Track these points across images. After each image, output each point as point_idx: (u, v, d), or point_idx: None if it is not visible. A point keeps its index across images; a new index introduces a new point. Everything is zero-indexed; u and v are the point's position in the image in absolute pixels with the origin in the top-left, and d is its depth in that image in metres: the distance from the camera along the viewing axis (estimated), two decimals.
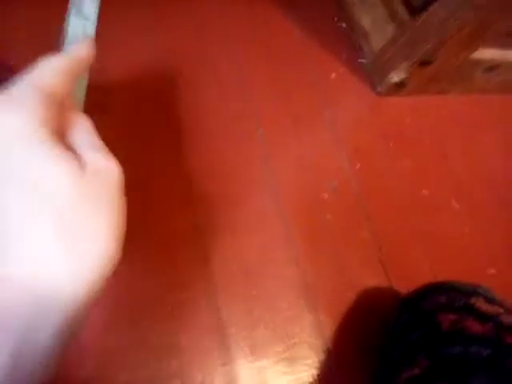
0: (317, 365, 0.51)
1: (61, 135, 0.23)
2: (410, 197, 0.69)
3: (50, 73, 0.24)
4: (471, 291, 0.48)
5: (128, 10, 0.65)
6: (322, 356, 0.52)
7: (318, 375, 0.51)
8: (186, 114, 0.61)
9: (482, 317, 0.45)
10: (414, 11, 0.67)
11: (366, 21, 0.77)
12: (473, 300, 0.47)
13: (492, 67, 0.78)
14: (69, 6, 0.33)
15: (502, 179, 0.77)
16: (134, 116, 0.59)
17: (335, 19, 0.80)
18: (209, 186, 0.57)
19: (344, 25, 0.79)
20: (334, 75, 0.74)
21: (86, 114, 0.27)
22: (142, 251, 0.50)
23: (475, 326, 0.44)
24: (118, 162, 0.24)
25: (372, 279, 0.60)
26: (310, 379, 0.51)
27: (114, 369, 0.45)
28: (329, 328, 0.54)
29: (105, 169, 0.23)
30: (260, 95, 0.66)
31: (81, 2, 0.32)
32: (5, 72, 0.52)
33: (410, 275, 0.62)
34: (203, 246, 0.53)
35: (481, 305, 0.46)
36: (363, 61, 0.77)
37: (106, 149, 0.24)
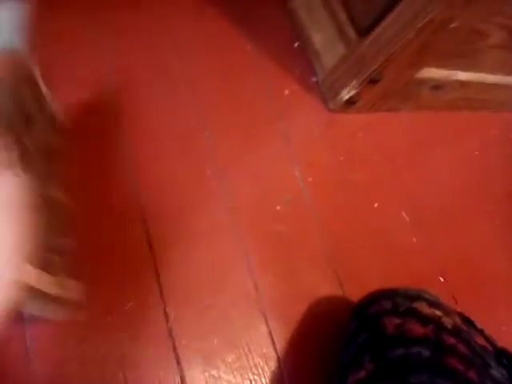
0: (269, 373, 0.52)
1: None
2: (362, 209, 0.71)
3: None
4: (415, 296, 0.50)
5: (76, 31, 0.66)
6: (273, 365, 0.53)
7: (270, 383, 0.51)
8: (137, 129, 0.61)
9: (424, 319, 0.46)
10: (361, 31, 0.71)
11: (316, 40, 0.80)
12: (416, 304, 0.49)
13: (438, 86, 0.82)
14: None
15: (449, 192, 0.81)
16: (84, 135, 0.59)
17: (288, 38, 0.83)
18: (161, 201, 0.57)
19: (297, 43, 0.82)
20: (287, 92, 0.76)
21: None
22: (94, 267, 0.49)
23: (417, 329, 0.45)
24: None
25: (325, 289, 0.61)
26: None
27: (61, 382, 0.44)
28: (281, 337, 0.55)
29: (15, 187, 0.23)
30: (213, 110, 0.68)
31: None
32: None
33: (362, 284, 0.63)
34: (155, 260, 0.53)
35: (423, 308, 0.48)
36: (315, 79, 0.80)
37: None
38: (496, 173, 0.88)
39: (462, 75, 0.81)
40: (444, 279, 0.69)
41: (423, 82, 0.78)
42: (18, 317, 0.43)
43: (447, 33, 0.66)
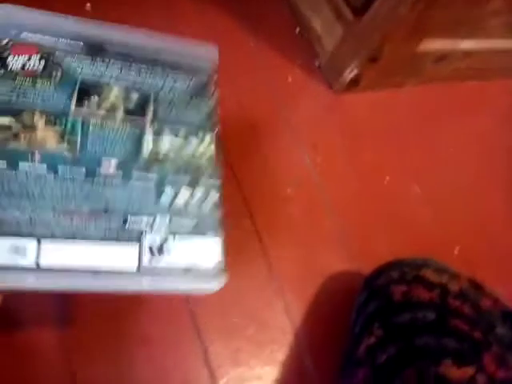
0: (287, 346, 0.55)
1: None
2: (372, 185, 0.73)
3: None
4: (422, 264, 0.52)
5: None
6: (291, 338, 0.56)
7: (289, 356, 0.54)
8: None
9: (430, 285, 0.48)
10: (357, 11, 0.72)
11: (316, 24, 0.81)
12: (422, 272, 0.50)
13: (442, 57, 0.82)
14: None
15: (460, 166, 0.81)
16: None
17: (288, 25, 0.84)
18: None
19: (297, 29, 0.84)
20: (290, 78, 0.78)
21: None
22: None
23: (423, 294, 0.47)
24: None
25: (338, 265, 0.64)
26: (281, 359, 0.54)
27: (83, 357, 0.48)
28: (298, 312, 0.58)
29: None
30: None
31: None
32: None
33: (375, 258, 0.65)
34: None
35: (430, 275, 0.50)
36: (318, 62, 0.81)
37: None
38: (510, 145, 0.88)
39: (466, 44, 0.81)
40: (459, 252, 0.70)
41: (425, 54, 0.79)
42: None
43: (443, 2, 0.67)
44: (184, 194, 0.35)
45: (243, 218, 0.62)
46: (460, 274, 0.53)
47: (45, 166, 0.31)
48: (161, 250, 0.32)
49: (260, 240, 0.61)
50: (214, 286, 0.32)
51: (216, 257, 0.33)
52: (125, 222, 0.32)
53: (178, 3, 0.77)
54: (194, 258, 0.33)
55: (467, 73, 0.90)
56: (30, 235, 0.29)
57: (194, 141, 0.36)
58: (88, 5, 0.69)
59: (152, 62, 0.38)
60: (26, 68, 0.33)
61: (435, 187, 0.77)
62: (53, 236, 0.29)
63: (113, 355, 0.48)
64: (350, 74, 0.76)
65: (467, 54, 0.83)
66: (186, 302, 0.54)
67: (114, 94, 0.35)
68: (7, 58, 0.33)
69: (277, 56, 0.80)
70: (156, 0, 0.75)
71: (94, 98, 0.34)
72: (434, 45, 0.78)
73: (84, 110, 0.33)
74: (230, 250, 0.59)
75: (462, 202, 0.77)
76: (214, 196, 0.35)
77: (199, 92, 0.39)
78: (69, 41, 0.36)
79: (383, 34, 0.69)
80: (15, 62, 0.33)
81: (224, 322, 0.54)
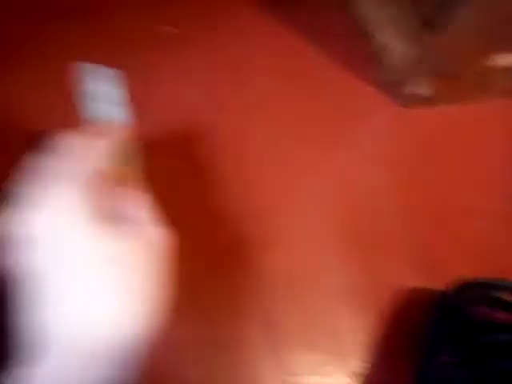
0: (362, 359, 0.57)
1: (116, 211, 0.28)
2: (444, 200, 0.73)
3: (102, 155, 0.29)
4: (500, 285, 0.53)
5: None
6: (366, 351, 0.58)
7: (366, 367, 0.57)
8: (223, 153, 0.69)
9: (509, 307, 0.49)
10: (431, 26, 0.72)
11: (385, 36, 0.82)
12: (500, 293, 0.51)
13: None
14: (87, 92, 0.38)
15: None
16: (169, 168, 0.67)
17: (354, 38, 0.86)
18: (250, 203, 0.64)
19: (367, 45, 0.85)
20: (359, 94, 0.80)
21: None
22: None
23: (502, 316, 0.48)
24: (167, 232, 0.29)
25: (409, 279, 0.65)
26: (358, 370, 0.57)
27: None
28: (369, 326, 0.60)
29: (157, 239, 0.28)
30: (287, 117, 0.73)
31: (103, 90, 0.37)
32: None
33: (446, 274, 0.66)
34: (251, 259, 0.61)
35: (508, 297, 0.50)
36: (387, 77, 0.82)
37: (158, 220, 0.29)
38: None
39: None
40: None
41: (497, 69, 0.78)
42: None
43: None
44: None
45: (317, 231, 0.65)
46: None
47: None
48: None
49: (335, 256, 0.64)
50: None
51: None
52: None
53: (249, 21, 0.81)
54: None
55: None
56: None
57: None
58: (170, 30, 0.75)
59: None
60: None
61: (508, 205, 0.76)
62: None
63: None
64: (419, 89, 0.77)
65: None
66: (265, 309, 0.57)
67: None
68: None
69: (345, 70, 0.82)
70: (231, 24, 0.79)
71: None
72: (508, 59, 0.77)
73: None
74: (304, 266, 0.63)
75: None
76: None
77: None
78: None
79: (458, 50, 0.69)
80: None
81: (301, 333, 0.57)
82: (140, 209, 0.30)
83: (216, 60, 0.76)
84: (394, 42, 0.81)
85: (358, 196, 0.70)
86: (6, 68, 0.67)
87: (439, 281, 0.64)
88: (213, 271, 0.58)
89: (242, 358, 0.54)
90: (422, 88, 0.76)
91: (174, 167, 0.64)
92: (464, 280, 0.57)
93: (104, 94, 0.36)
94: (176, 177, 0.62)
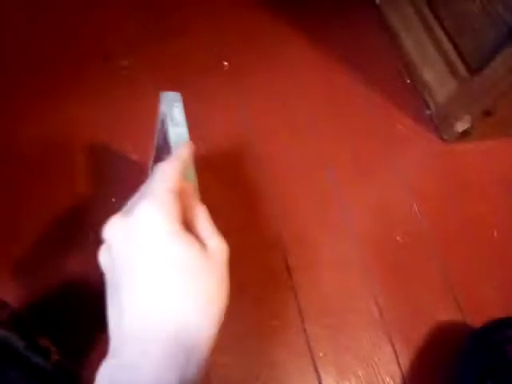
0: None
1: (187, 224, 0.31)
2: (481, 237, 0.74)
3: (175, 176, 0.32)
4: None
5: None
6: (398, 382, 0.59)
7: None
8: (260, 163, 0.73)
9: None
10: (472, 68, 0.75)
11: (428, 76, 0.85)
12: None
13: None
14: (160, 116, 0.43)
15: None
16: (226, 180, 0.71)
17: (398, 74, 0.89)
18: (296, 233, 0.67)
19: (408, 80, 0.88)
20: (399, 126, 0.82)
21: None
22: (243, 287, 0.61)
23: None
24: (225, 241, 0.32)
25: (445, 314, 0.66)
26: None
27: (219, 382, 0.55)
28: (405, 357, 0.61)
29: (220, 250, 0.31)
30: (330, 146, 0.77)
31: (172, 113, 0.41)
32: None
33: (481, 310, 0.67)
34: (293, 282, 0.63)
35: None
36: (428, 112, 0.85)
37: (218, 232, 0.32)
38: None
39: None
40: None
41: None
42: None
43: None
44: None
45: (355, 262, 0.67)
46: None
47: None
48: None
49: (372, 286, 0.65)
50: None
51: None
52: None
53: (298, 53, 0.85)
54: None
55: None
56: None
57: None
58: (226, 63, 0.80)
59: None
60: None
61: None
62: None
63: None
64: (461, 126, 0.79)
65: None
66: (306, 336, 0.60)
67: None
68: None
69: (386, 103, 0.85)
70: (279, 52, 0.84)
71: None
72: None
73: None
74: (342, 294, 0.65)
75: None
76: None
77: None
78: None
79: (499, 91, 0.71)
80: None
81: (338, 359, 0.59)
82: (207, 221, 0.33)
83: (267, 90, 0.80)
84: (438, 79, 0.83)
85: (395, 227, 0.72)
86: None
87: (475, 317, 0.65)
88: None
89: None
90: (463, 124, 0.78)
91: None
92: (500, 318, 0.57)
93: (175, 116, 0.41)
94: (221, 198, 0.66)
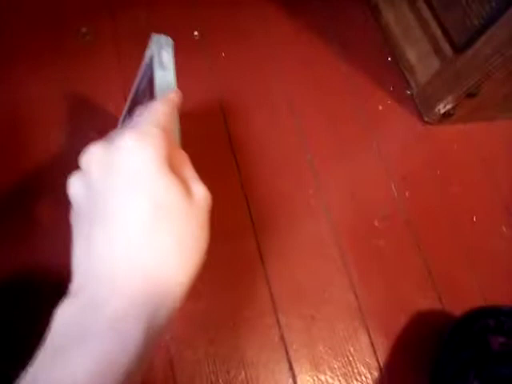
0: (370, 381, 0.56)
1: (173, 168, 0.28)
2: (460, 222, 0.72)
3: (167, 115, 0.30)
4: None
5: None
6: (375, 373, 0.56)
7: None
8: (241, 144, 0.68)
9: None
10: (457, 48, 0.71)
11: (411, 54, 0.81)
12: None
13: None
14: (146, 59, 0.41)
15: None
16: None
17: (381, 53, 0.85)
18: (269, 218, 0.63)
19: (389, 58, 0.84)
20: (381, 107, 0.79)
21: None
22: (210, 272, 0.56)
23: None
24: (208, 191, 0.30)
25: (424, 301, 0.63)
26: None
27: (185, 379, 0.51)
28: (382, 348, 0.58)
29: (204, 198, 0.29)
30: (310, 127, 0.72)
31: (160, 56, 0.39)
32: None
33: (462, 298, 0.65)
34: (266, 271, 0.59)
35: None
36: (409, 92, 0.81)
37: (200, 179, 0.30)
38: None
39: None
40: None
41: None
42: None
43: None
44: None
45: (331, 248, 0.64)
46: None
47: None
48: None
49: (349, 274, 0.62)
50: None
51: None
52: None
53: (276, 27, 0.80)
54: None
55: None
56: None
57: None
58: (196, 33, 0.74)
59: None
60: None
61: None
62: None
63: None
64: (443, 107, 0.76)
65: None
66: (279, 327, 0.56)
67: None
68: None
69: (368, 83, 0.81)
70: (255, 24, 0.78)
71: None
72: None
73: None
74: (318, 282, 0.61)
75: None
76: None
77: None
78: None
79: (484, 73, 0.68)
80: None
81: (312, 351, 0.56)
82: (191, 168, 0.31)
83: None
84: (421, 58, 0.80)
85: (373, 211, 0.68)
86: None
87: (455, 305, 0.63)
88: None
89: None
90: (445, 105, 0.75)
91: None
92: (481, 307, 0.55)
93: (163, 60, 0.39)
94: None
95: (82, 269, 0.26)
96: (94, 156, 0.27)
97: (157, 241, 0.26)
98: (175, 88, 0.37)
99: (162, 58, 0.39)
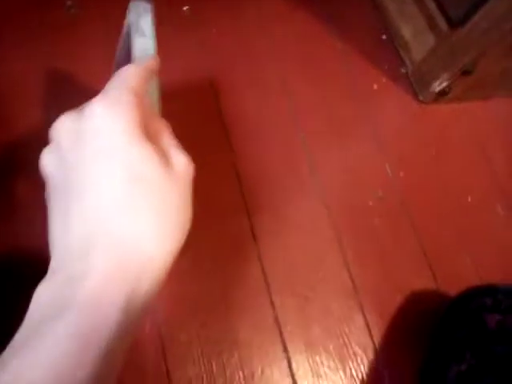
0: (367, 362, 0.55)
1: (150, 137, 0.27)
2: (455, 202, 0.71)
3: (140, 79, 0.28)
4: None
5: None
6: (371, 354, 0.56)
7: (368, 371, 0.54)
8: (232, 122, 0.66)
9: None
10: (453, 23, 0.69)
11: (406, 32, 0.79)
12: None
13: None
14: (125, 28, 0.39)
15: None
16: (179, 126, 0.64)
17: (376, 30, 0.83)
18: (259, 193, 0.62)
19: (384, 36, 0.82)
20: (375, 85, 0.77)
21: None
22: (201, 253, 0.55)
23: None
24: (191, 160, 0.28)
25: (419, 281, 0.63)
26: (360, 375, 0.54)
27: (177, 362, 0.50)
28: (378, 329, 0.58)
29: (185, 168, 0.28)
30: (303, 105, 0.71)
31: (138, 23, 0.37)
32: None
33: (456, 277, 0.64)
34: (259, 250, 0.58)
35: None
36: (404, 70, 0.80)
37: (182, 148, 0.29)
38: None
39: None
40: None
41: None
42: None
43: None
44: None
45: (325, 228, 0.62)
46: None
47: None
48: None
49: (343, 253, 0.61)
50: None
51: None
52: None
53: (270, 4, 0.77)
54: None
55: None
56: None
57: None
58: (186, 8, 0.71)
59: None
60: None
61: None
62: None
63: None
64: (439, 85, 0.74)
65: None
66: (273, 308, 0.55)
67: None
68: None
69: (363, 61, 0.79)
70: (249, 2, 0.76)
71: None
72: None
73: None
74: (312, 262, 0.60)
75: None
76: None
77: None
78: None
79: (480, 48, 0.66)
80: None
81: (307, 332, 0.55)
82: (171, 136, 0.29)
83: None
84: (416, 34, 0.78)
85: (368, 191, 0.67)
86: None
87: (450, 285, 0.62)
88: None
89: None
90: (440, 83, 0.73)
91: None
92: (477, 286, 0.54)
93: (142, 26, 0.36)
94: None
95: (60, 246, 0.25)
96: (63, 125, 0.26)
97: (133, 214, 0.25)
98: (154, 53, 0.35)
99: (141, 25, 0.37)
